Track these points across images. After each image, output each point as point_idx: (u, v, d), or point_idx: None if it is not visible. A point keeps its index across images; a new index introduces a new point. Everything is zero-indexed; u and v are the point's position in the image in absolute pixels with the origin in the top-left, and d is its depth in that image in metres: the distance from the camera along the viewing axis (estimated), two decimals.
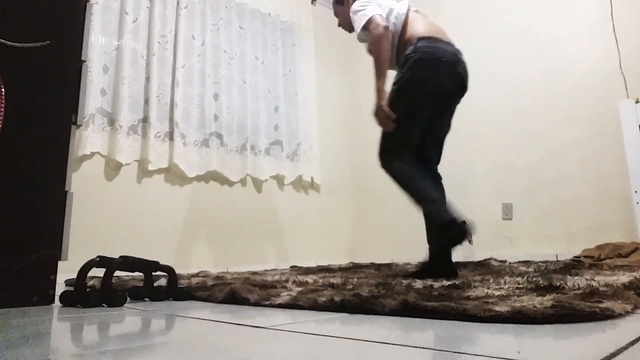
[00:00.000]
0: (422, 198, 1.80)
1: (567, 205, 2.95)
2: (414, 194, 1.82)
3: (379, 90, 1.94)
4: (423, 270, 1.72)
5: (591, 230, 2.81)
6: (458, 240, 1.69)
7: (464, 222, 1.69)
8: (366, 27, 1.97)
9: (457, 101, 2.02)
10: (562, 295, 0.99)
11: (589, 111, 2.94)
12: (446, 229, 1.69)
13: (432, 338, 0.76)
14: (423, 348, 0.68)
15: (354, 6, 2.08)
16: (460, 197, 3.48)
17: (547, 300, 0.94)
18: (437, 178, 1.97)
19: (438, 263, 1.73)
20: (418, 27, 1.96)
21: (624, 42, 2.84)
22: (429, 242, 1.83)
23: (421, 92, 1.89)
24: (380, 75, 1.95)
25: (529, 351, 0.63)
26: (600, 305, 0.88)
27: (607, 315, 0.85)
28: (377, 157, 1.96)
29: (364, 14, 1.99)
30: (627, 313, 0.90)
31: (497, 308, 0.89)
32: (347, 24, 2.22)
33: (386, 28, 1.94)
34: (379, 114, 1.94)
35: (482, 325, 0.84)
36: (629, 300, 0.96)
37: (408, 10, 2.04)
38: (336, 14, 2.34)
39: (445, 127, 2.03)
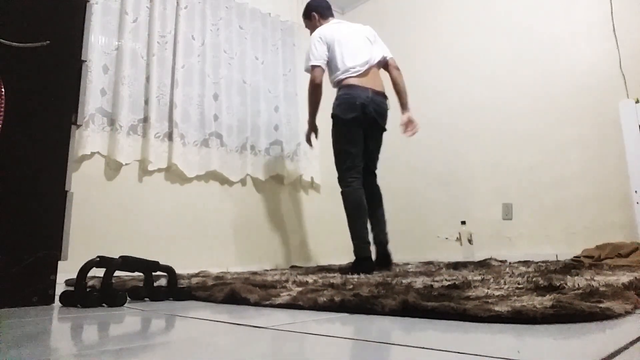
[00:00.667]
0: (353, 232, 2.37)
1: (567, 205, 2.95)
2: (350, 225, 2.39)
3: (309, 124, 2.73)
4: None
5: (591, 230, 2.81)
6: (365, 272, 2.13)
7: (371, 259, 2.32)
8: (308, 70, 2.55)
9: (378, 130, 2.56)
10: (562, 295, 0.98)
11: (589, 111, 2.94)
12: (359, 262, 2.27)
13: (432, 338, 0.76)
14: (423, 348, 0.68)
15: (311, 40, 2.59)
16: (460, 197, 3.51)
17: (547, 300, 0.93)
18: (375, 193, 2.58)
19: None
20: (352, 79, 2.47)
21: (624, 42, 2.84)
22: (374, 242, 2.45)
23: (347, 126, 2.43)
24: (310, 114, 2.68)
25: (529, 351, 0.63)
26: (600, 305, 0.88)
27: (607, 315, 0.85)
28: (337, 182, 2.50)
29: (311, 58, 2.52)
30: (627, 313, 0.89)
31: (497, 308, 0.89)
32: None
33: (319, 85, 2.51)
34: (306, 139, 2.86)
35: (482, 325, 0.84)
36: (629, 300, 0.96)
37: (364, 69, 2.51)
38: (306, 26, 2.89)
39: (376, 145, 2.62)
